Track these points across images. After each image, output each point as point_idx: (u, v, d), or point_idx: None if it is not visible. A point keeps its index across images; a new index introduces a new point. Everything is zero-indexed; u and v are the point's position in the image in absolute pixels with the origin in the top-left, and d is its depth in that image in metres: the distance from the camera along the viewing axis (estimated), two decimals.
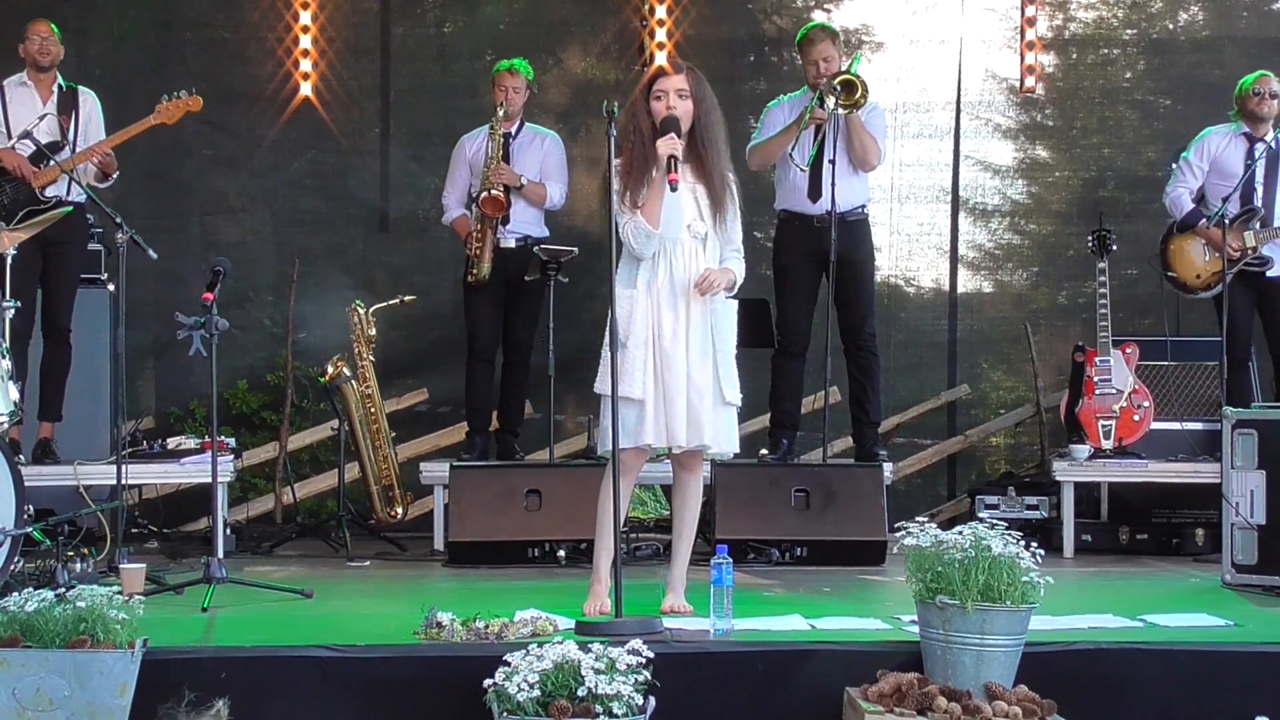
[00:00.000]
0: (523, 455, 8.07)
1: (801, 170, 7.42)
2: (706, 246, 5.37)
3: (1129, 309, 8.68)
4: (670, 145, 5.24)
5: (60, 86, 7.48)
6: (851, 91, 7.28)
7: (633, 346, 5.28)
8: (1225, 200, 7.47)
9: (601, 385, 5.29)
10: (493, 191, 7.63)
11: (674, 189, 5.22)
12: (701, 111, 5.35)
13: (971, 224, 9.28)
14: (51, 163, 7.20)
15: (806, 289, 7.64)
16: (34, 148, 7.21)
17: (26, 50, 7.42)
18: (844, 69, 7.40)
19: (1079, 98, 9.27)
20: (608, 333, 5.17)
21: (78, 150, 7.33)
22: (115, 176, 7.40)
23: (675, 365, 5.30)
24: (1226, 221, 7.43)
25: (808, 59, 7.52)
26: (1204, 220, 7.64)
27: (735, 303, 5.48)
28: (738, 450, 5.51)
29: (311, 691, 4.58)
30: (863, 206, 7.66)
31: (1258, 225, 7.57)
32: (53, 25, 7.46)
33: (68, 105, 7.43)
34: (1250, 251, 7.55)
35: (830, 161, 7.34)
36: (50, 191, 7.29)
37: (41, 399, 7.39)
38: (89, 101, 7.51)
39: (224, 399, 8.54)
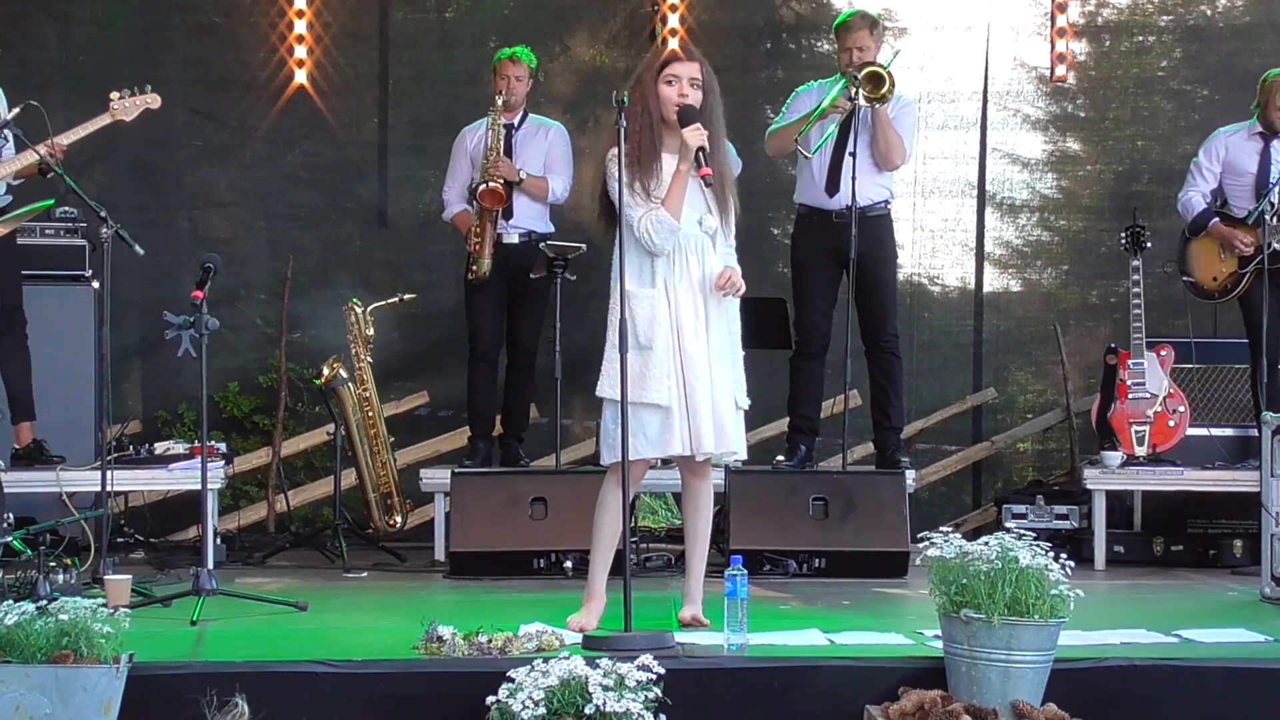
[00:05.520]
0: (528, 461, 7.99)
1: (806, 157, 7.38)
2: (716, 243, 5.34)
3: (1164, 309, 8.61)
4: (700, 136, 5.17)
5: None
6: (878, 85, 7.22)
7: (659, 350, 5.20)
8: (1263, 197, 7.45)
9: (610, 389, 5.17)
10: (490, 183, 7.57)
11: (709, 183, 5.19)
12: (709, 105, 5.29)
13: (999, 219, 9.20)
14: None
15: (825, 287, 7.55)
16: None
17: None
18: (875, 60, 7.31)
19: (1112, 87, 9.17)
20: (613, 333, 5.08)
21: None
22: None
23: (699, 369, 5.22)
24: (1269, 220, 7.40)
25: (842, 45, 7.47)
26: (1215, 219, 7.64)
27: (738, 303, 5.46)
28: (745, 456, 5.47)
29: (306, 709, 4.49)
30: (885, 202, 7.58)
31: (1276, 220, 7.52)
32: None
33: None
34: (1266, 248, 7.46)
35: (851, 155, 7.25)
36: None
37: (11, 402, 7.34)
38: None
39: (214, 402, 8.49)
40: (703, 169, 5.15)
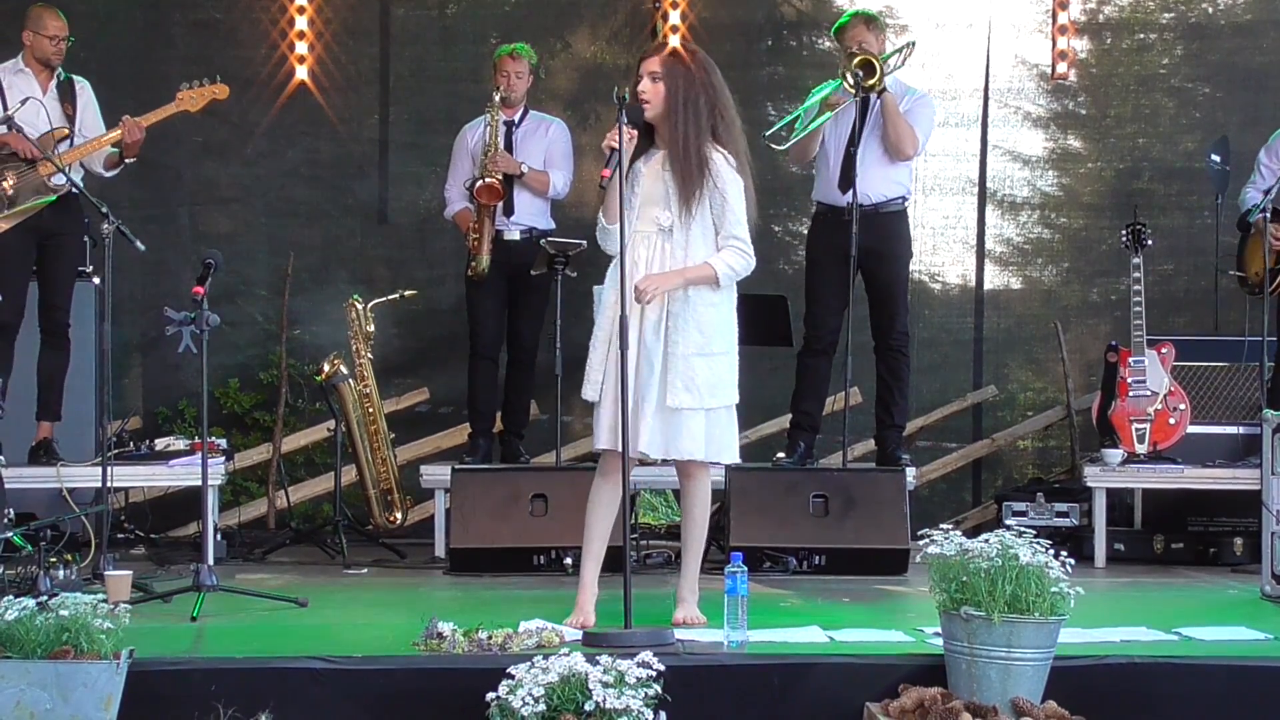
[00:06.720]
0: (528, 458, 7.97)
1: (776, 148, 7.34)
2: (675, 238, 5.17)
3: (1164, 306, 8.63)
4: (610, 138, 5.09)
5: (59, 76, 7.40)
6: (869, 72, 7.21)
7: (594, 346, 5.25)
8: (1267, 193, 7.38)
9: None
10: (488, 179, 7.55)
11: (601, 184, 5.11)
12: (674, 92, 5.14)
13: (999, 217, 9.17)
14: (61, 149, 7.08)
15: (837, 285, 7.46)
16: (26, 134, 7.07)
17: (37, 45, 7.30)
18: (872, 51, 7.32)
19: (1113, 85, 9.13)
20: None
21: (80, 141, 7.23)
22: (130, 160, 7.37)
23: (617, 368, 5.14)
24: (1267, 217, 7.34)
25: (845, 48, 7.46)
26: (1261, 214, 7.57)
27: (715, 299, 5.23)
28: (699, 457, 5.24)
29: (306, 705, 4.51)
30: (901, 199, 7.57)
31: None
32: (64, 18, 7.37)
33: (67, 94, 7.37)
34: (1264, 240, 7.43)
35: (852, 151, 7.24)
36: (57, 180, 7.13)
37: (40, 398, 7.37)
38: (85, 91, 7.46)
39: (215, 398, 8.50)
40: (603, 169, 5.07)
